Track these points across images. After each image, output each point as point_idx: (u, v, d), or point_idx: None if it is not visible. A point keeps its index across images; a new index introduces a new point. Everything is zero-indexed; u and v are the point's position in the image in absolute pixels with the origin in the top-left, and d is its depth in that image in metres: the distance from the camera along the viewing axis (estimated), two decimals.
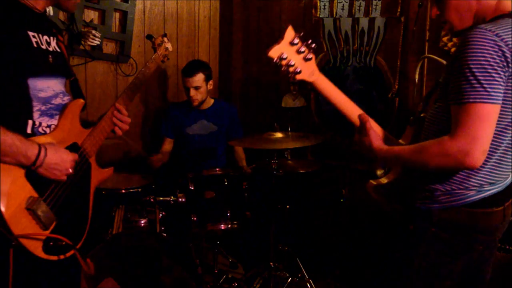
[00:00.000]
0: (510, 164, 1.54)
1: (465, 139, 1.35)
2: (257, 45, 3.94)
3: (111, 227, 2.55)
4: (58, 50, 1.73)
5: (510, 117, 1.44)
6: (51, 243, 1.54)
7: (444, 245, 1.54)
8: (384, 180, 1.78)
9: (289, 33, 1.58)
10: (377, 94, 3.30)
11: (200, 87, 3.27)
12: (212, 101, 3.47)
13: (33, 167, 1.47)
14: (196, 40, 3.91)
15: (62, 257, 1.59)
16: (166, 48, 2.37)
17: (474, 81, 1.35)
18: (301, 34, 1.59)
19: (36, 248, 1.50)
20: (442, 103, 1.53)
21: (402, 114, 3.21)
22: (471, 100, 1.35)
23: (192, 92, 3.26)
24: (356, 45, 3.34)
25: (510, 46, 1.36)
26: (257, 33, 3.93)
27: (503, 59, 1.35)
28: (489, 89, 1.34)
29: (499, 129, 1.43)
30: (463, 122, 1.36)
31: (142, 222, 2.62)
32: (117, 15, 3.28)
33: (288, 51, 1.58)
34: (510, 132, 1.47)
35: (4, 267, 1.47)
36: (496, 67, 1.35)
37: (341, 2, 3.35)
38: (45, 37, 1.66)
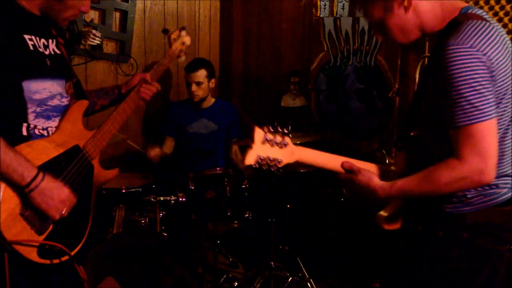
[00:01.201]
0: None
1: (476, 159, 1.32)
2: (258, 45, 3.93)
3: (111, 226, 2.55)
4: (58, 52, 1.71)
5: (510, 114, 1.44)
6: (47, 246, 1.53)
7: (475, 250, 1.49)
8: (389, 211, 1.72)
9: (258, 133, 1.55)
10: (378, 93, 3.30)
11: (201, 83, 3.29)
12: (213, 100, 3.48)
13: (27, 189, 1.45)
14: (196, 40, 3.91)
15: (56, 261, 1.57)
16: (183, 43, 2.28)
17: (465, 103, 1.31)
18: (270, 127, 1.55)
19: (30, 253, 1.49)
20: (429, 128, 1.50)
21: (402, 114, 3.20)
22: (467, 122, 1.32)
23: (194, 87, 3.29)
24: (356, 45, 3.34)
25: (490, 57, 1.34)
26: (257, 32, 3.92)
27: (488, 73, 1.33)
28: (481, 107, 1.32)
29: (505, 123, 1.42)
30: (468, 143, 1.33)
31: (143, 221, 2.62)
32: (117, 14, 3.28)
33: (263, 150, 1.55)
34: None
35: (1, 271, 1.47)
36: (482, 82, 1.32)
37: (342, 1, 3.35)
38: (43, 40, 1.65)
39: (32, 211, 1.50)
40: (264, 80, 3.94)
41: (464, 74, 1.32)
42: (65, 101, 1.70)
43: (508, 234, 1.52)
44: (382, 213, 1.74)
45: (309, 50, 3.58)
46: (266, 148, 1.56)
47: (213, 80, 3.40)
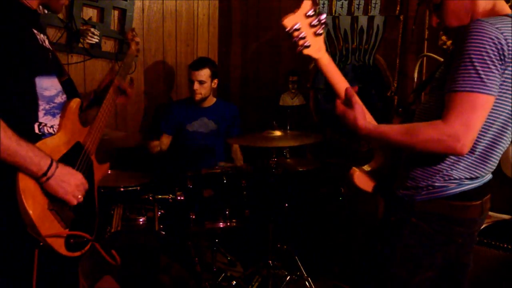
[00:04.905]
0: (494, 162, 1.56)
1: (458, 125, 1.36)
2: (256, 44, 3.93)
3: (109, 225, 2.54)
4: (51, 48, 1.73)
5: (503, 114, 1.47)
6: (71, 240, 1.59)
7: (424, 236, 1.57)
8: (367, 168, 1.77)
9: (306, 3, 1.57)
10: (376, 92, 3.30)
11: (204, 82, 3.30)
12: (214, 99, 3.49)
13: (44, 177, 1.48)
14: (195, 38, 3.91)
15: (82, 252, 1.65)
16: (137, 42, 2.51)
17: (473, 71, 1.36)
18: (318, 7, 1.60)
19: (60, 246, 1.54)
20: (435, 94, 1.55)
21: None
22: (467, 89, 1.36)
23: (196, 85, 3.29)
24: (355, 44, 3.34)
25: (508, 41, 1.38)
26: (256, 31, 3.92)
27: (501, 52, 1.37)
28: (485, 80, 1.36)
29: (484, 125, 1.46)
30: (457, 109, 1.37)
31: (141, 220, 2.62)
32: (116, 13, 3.28)
33: (302, 22, 1.57)
34: (495, 129, 1.49)
35: (27, 268, 1.51)
36: (494, 59, 1.37)
37: (340, 0, 3.35)
38: (42, 35, 1.66)
39: (59, 204, 1.54)
40: (262, 79, 3.94)
41: (480, 45, 1.37)
42: (64, 98, 1.72)
43: (462, 228, 1.59)
44: (357, 169, 1.76)
45: None
46: (306, 23, 1.58)
47: (215, 80, 3.41)
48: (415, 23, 2.96)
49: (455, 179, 1.53)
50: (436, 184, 1.54)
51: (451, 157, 1.52)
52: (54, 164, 1.50)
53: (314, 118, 3.63)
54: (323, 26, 1.61)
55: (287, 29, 1.56)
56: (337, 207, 3.40)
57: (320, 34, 1.60)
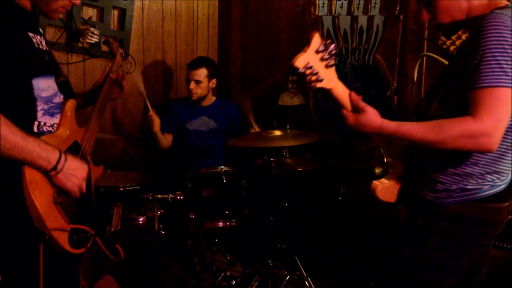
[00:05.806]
0: None
1: (490, 121, 1.32)
2: (256, 43, 3.93)
3: (109, 224, 2.54)
4: (48, 49, 1.73)
5: None
6: (74, 236, 1.59)
7: (454, 241, 1.53)
8: (386, 181, 1.72)
9: (316, 40, 1.53)
10: (376, 92, 3.30)
11: (201, 82, 3.29)
12: (214, 98, 3.49)
13: (54, 171, 1.49)
14: (195, 38, 3.91)
15: (84, 249, 1.65)
16: (121, 53, 2.44)
17: (496, 65, 1.32)
18: (328, 41, 1.54)
19: (64, 242, 1.54)
20: (449, 101, 1.51)
21: (400, 112, 3.21)
22: (493, 84, 1.32)
23: (192, 85, 3.29)
24: (355, 43, 3.34)
25: None
26: (256, 31, 3.92)
27: None
28: (510, 72, 1.32)
29: None
30: (486, 104, 1.32)
31: (141, 219, 2.61)
32: (116, 12, 3.27)
33: (314, 59, 1.53)
34: None
35: (32, 262, 1.52)
36: None
37: (340, 0, 3.35)
38: (38, 37, 1.67)
39: (64, 199, 1.54)
40: (262, 78, 3.93)
41: (500, 37, 1.33)
42: (62, 97, 1.72)
43: (490, 230, 1.55)
44: (378, 182, 1.72)
45: None
46: (317, 59, 1.54)
47: (214, 80, 3.40)
48: (415, 22, 2.96)
49: (488, 180, 1.49)
50: (469, 186, 1.49)
51: (482, 156, 1.46)
52: (63, 157, 1.51)
53: (314, 118, 3.63)
54: (334, 57, 1.56)
55: (299, 70, 1.51)
56: (337, 207, 3.40)
57: (332, 65, 1.56)
